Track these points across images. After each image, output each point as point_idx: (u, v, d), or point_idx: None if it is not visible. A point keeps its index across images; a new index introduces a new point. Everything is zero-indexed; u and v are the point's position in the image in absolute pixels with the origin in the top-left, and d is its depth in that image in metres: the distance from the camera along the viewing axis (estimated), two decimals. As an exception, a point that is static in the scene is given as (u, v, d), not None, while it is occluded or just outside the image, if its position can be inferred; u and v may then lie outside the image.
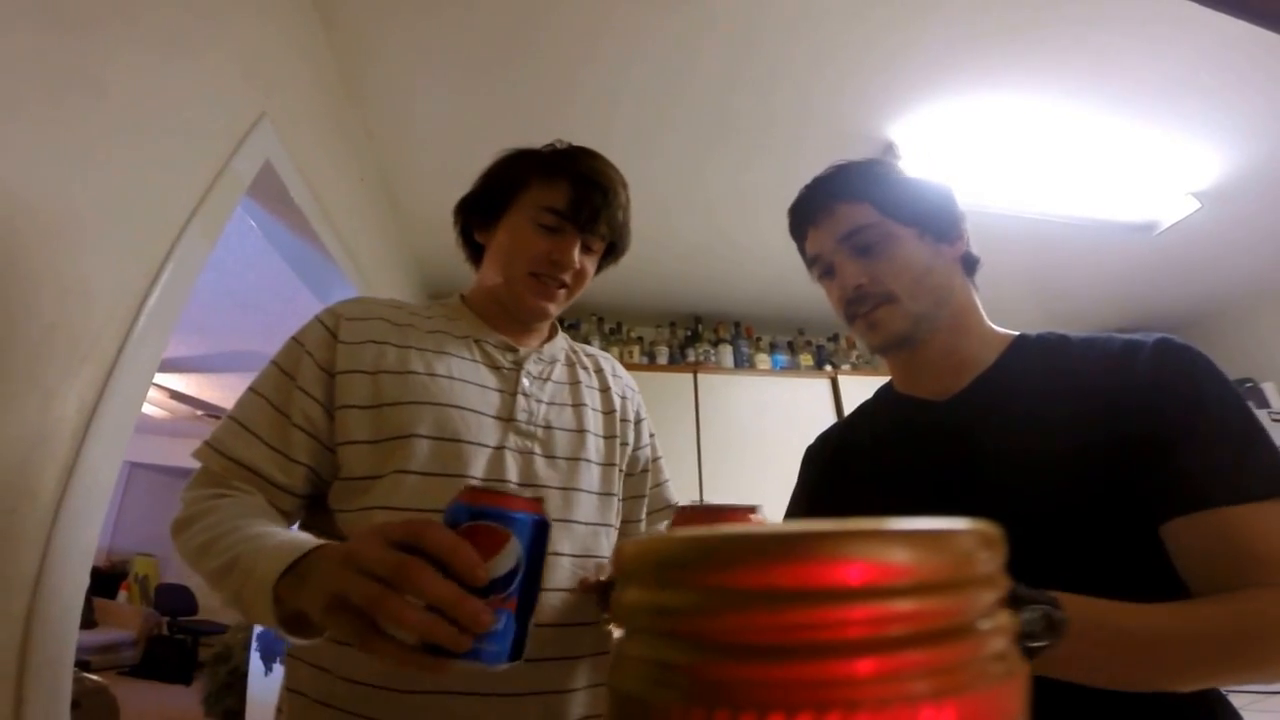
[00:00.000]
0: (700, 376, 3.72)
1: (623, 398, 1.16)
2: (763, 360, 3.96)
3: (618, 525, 1.07)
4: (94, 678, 1.42)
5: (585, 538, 0.96)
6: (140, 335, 1.18)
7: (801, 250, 1.05)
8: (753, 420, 3.62)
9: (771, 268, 3.54)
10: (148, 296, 1.21)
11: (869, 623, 0.20)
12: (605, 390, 1.15)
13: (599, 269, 1.16)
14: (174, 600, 6.22)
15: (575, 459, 1.00)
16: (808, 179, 1.04)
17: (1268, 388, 3.68)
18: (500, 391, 0.99)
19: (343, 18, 1.98)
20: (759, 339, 4.10)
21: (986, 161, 2.62)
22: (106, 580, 6.20)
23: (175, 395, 5.46)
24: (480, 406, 0.95)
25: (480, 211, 1.11)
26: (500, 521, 0.55)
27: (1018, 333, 0.96)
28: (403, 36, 2.06)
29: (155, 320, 1.22)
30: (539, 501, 0.58)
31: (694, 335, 4.05)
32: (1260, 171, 2.72)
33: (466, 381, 0.97)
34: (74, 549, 1.04)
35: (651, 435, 1.21)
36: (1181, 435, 0.72)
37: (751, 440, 3.54)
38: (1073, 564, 0.70)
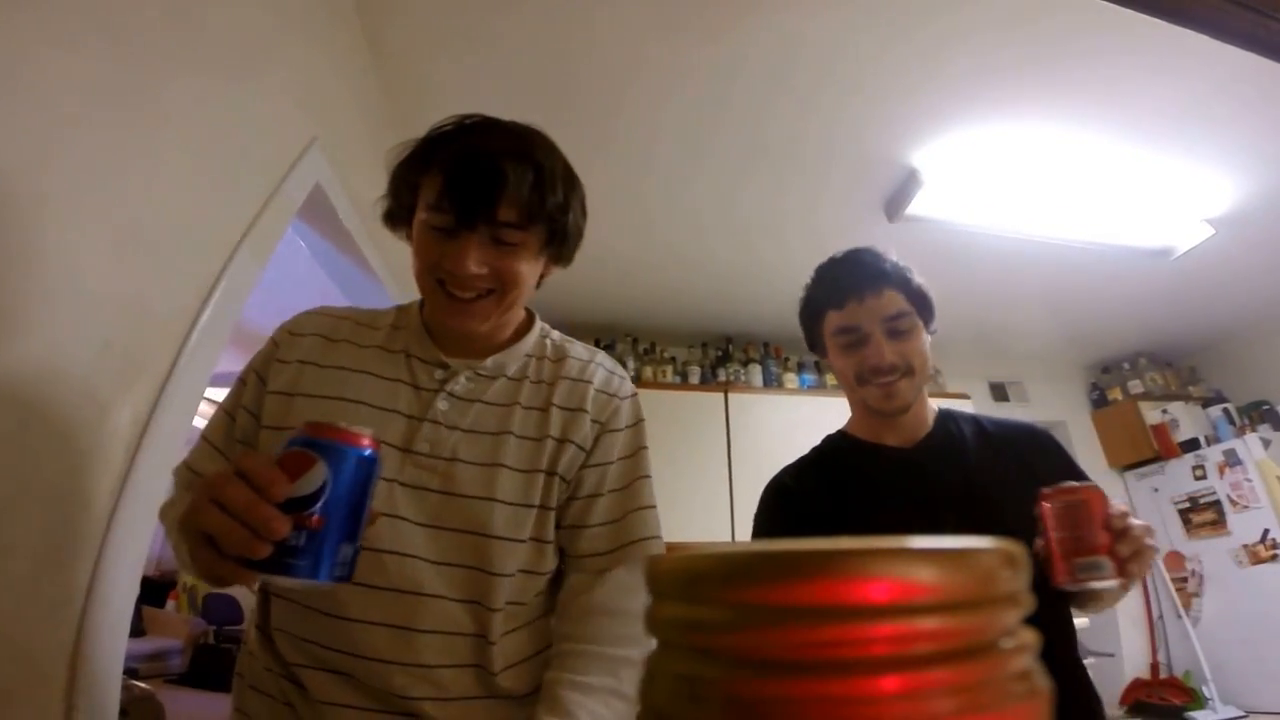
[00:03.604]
0: (731, 396, 3.76)
1: (573, 411, 0.96)
2: (790, 379, 4.01)
3: (548, 571, 0.93)
4: (142, 685, 1.44)
5: (490, 584, 0.86)
6: (192, 351, 1.21)
7: (818, 316, 1.24)
8: (781, 437, 3.57)
9: (799, 289, 3.50)
10: (200, 314, 1.25)
11: (894, 640, 0.20)
12: (545, 410, 0.95)
13: (558, 259, 0.97)
14: (221, 610, 6.29)
15: (479, 498, 0.87)
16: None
17: (1283, 410, 3.64)
18: (409, 418, 0.89)
19: (391, 48, 2.04)
20: (787, 359, 4.13)
21: (1007, 188, 2.65)
22: (156, 589, 6.30)
23: (224, 410, 5.54)
24: (381, 434, 0.80)
25: (397, 222, 0.96)
26: (311, 448, 0.60)
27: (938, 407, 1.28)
28: (447, 66, 2.12)
29: (207, 337, 1.25)
30: (362, 437, 0.62)
31: (725, 355, 4.09)
32: (1272, 198, 2.75)
33: (372, 406, 0.88)
34: (126, 558, 1.06)
35: (627, 457, 0.99)
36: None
37: (780, 457, 3.47)
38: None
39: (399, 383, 0.92)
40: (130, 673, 1.21)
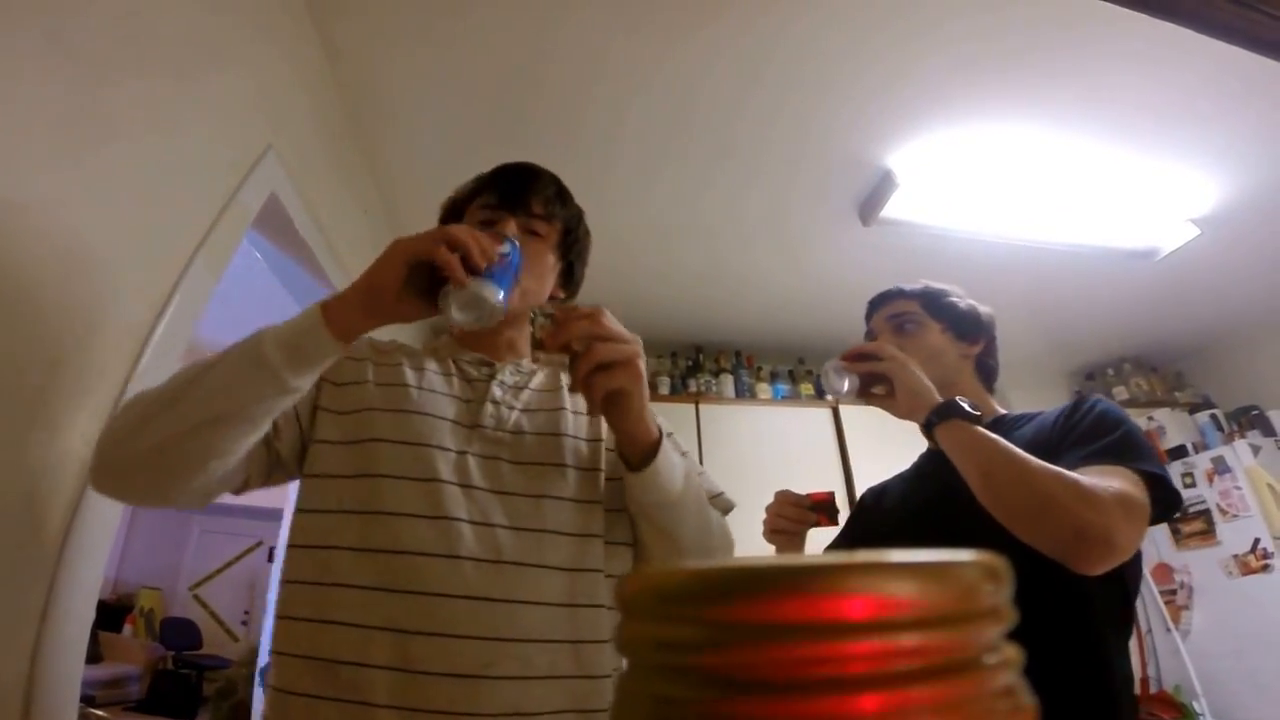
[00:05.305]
0: (702, 407, 3.71)
1: None
2: (763, 390, 3.96)
3: (615, 538, 1.00)
4: (99, 713, 1.41)
5: (568, 548, 0.92)
6: (145, 369, 1.18)
7: (867, 327, 1.45)
8: (754, 449, 3.60)
9: (771, 296, 3.55)
10: (153, 330, 1.22)
11: (873, 657, 0.20)
12: None
13: (569, 276, 1.17)
14: (179, 634, 6.17)
15: (549, 464, 0.97)
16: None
17: (1273, 415, 3.58)
18: (469, 401, 1.01)
19: (348, 52, 2.01)
20: (760, 368, 4.08)
21: (985, 189, 2.63)
22: (112, 613, 6.14)
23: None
24: (445, 413, 0.97)
25: None
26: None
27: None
28: (407, 70, 2.09)
29: (160, 353, 1.22)
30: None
31: (695, 365, 4.03)
32: (1258, 197, 2.72)
33: (434, 391, 0.99)
34: (80, 582, 1.03)
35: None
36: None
37: (753, 469, 3.47)
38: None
39: (451, 375, 1.05)
40: (87, 700, 1.18)
